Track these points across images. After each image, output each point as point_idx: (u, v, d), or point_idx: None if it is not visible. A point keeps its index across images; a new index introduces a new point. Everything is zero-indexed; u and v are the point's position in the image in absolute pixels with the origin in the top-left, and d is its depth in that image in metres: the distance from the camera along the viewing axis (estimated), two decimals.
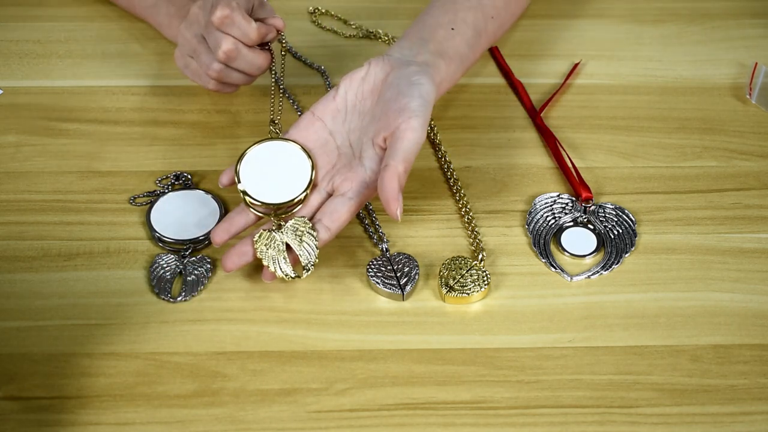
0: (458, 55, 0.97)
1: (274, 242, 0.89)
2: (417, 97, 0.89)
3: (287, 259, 0.88)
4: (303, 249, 0.88)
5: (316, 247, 0.88)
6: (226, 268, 0.89)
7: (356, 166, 0.91)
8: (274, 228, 0.89)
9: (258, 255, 0.88)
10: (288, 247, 0.89)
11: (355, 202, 0.90)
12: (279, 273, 0.88)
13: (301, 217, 0.90)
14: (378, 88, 0.92)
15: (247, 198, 0.90)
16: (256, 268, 0.92)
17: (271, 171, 0.91)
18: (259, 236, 0.89)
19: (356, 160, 0.91)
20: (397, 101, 0.89)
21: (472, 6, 1.00)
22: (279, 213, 0.90)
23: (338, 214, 0.89)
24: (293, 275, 0.88)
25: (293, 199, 0.90)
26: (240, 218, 0.91)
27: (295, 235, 0.89)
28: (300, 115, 0.97)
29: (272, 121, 0.94)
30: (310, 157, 0.91)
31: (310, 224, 0.89)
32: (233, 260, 0.89)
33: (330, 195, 0.91)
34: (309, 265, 0.89)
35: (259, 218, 0.91)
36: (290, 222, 0.89)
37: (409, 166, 0.87)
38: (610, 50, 1.14)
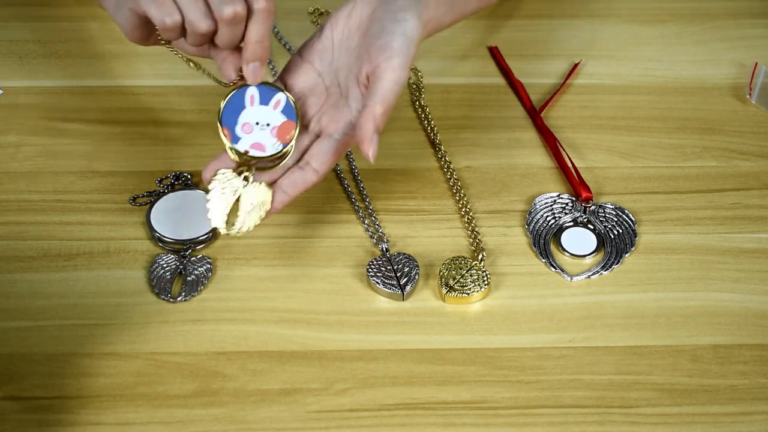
0: None
1: (230, 187, 0.88)
2: (400, 35, 0.87)
3: (227, 209, 0.88)
4: (245, 214, 0.88)
5: (258, 221, 0.87)
6: (206, 178, 0.88)
7: (342, 107, 0.90)
8: (240, 176, 0.89)
9: (209, 187, 0.88)
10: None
11: (341, 143, 0.89)
12: (209, 215, 0.87)
13: (266, 187, 0.88)
14: (364, 24, 0.90)
15: (227, 144, 0.89)
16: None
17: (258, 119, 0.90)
18: (223, 174, 0.88)
19: (342, 100, 0.91)
20: (379, 38, 0.88)
21: None
22: (258, 166, 0.89)
23: (326, 157, 0.89)
24: (220, 227, 0.88)
25: (270, 155, 0.89)
26: (226, 161, 0.90)
27: (252, 197, 0.88)
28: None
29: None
30: (296, 110, 0.90)
31: (270, 198, 0.88)
32: (212, 168, 0.88)
33: (318, 136, 0.91)
34: (236, 230, 0.87)
35: (238, 166, 0.90)
36: (255, 183, 0.88)
37: (389, 107, 0.86)
38: (610, 50, 1.14)
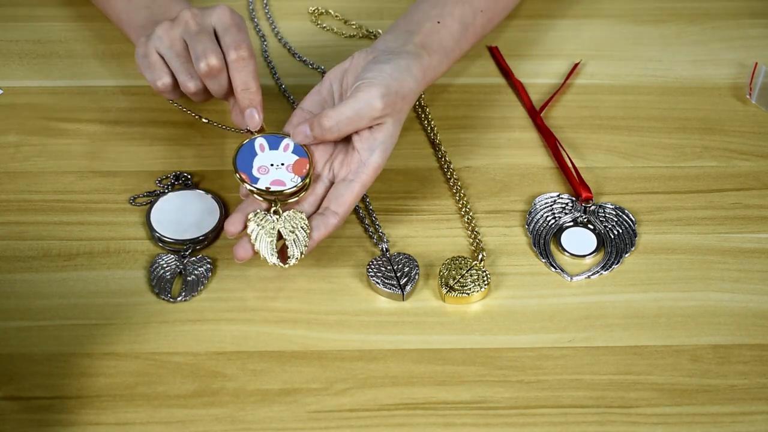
0: (442, 49, 0.97)
1: (268, 225, 0.89)
2: (386, 72, 0.91)
3: (274, 245, 0.88)
4: (292, 241, 0.89)
5: (305, 244, 0.89)
6: (239, 256, 0.88)
7: (351, 151, 0.92)
8: (271, 213, 0.90)
9: (248, 231, 0.89)
10: (279, 236, 0.89)
11: (357, 184, 0.90)
12: (263, 254, 0.88)
13: (300, 211, 0.90)
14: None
15: (246, 185, 0.90)
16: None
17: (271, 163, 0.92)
18: (255, 214, 0.89)
19: (350, 146, 0.92)
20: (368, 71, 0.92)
21: (459, 0, 1.00)
22: (281, 200, 0.90)
23: (343, 198, 0.90)
24: (276, 262, 0.88)
25: (292, 188, 0.90)
26: (251, 208, 0.91)
27: (290, 225, 0.89)
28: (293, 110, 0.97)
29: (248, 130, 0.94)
30: (306, 149, 0.92)
31: (306, 220, 0.89)
32: (246, 248, 0.88)
33: (332, 183, 0.92)
34: (293, 259, 0.88)
35: (269, 207, 0.91)
36: (288, 212, 0.90)
37: (341, 122, 0.89)
38: (610, 50, 1.14)
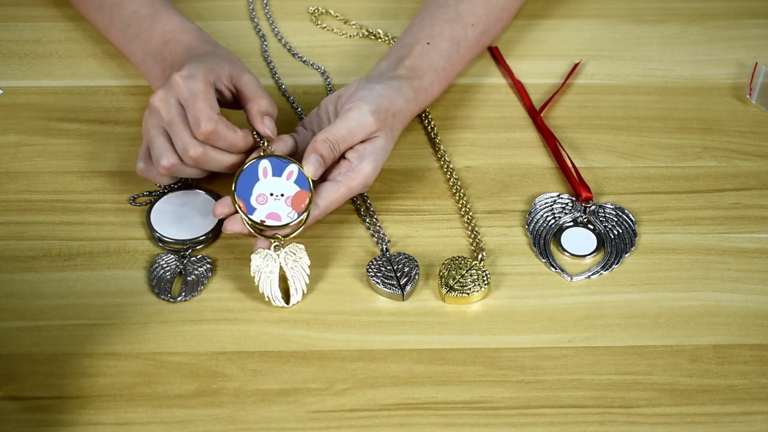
0: (434, 68, 1.00)
1: (270, 263, 0.89)
2: (377, 92, 0.94)
3: (277, 286, 0.89)
4: (295, 277, 0.90)
5: (308, 276, 0.90)
6: (227, 228, 0.90)
7: (343, 159, 0.94)
8: (272, 250, 0.90)
9: (252, 272, 0.89)
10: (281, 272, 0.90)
11: (343, 186, 0.92)
12: (267, 294, 0.89)
13: (299, 244, 0.90)
14: None
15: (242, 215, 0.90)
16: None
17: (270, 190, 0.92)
18: (257, 253, 0.90)
19: (343, 159, 0.94)
20: (355, 94, 0.94)
21: (449, 18, 1.03)
22: (272, 237, 0.91)
23: (327, 193, 0.92)
24: (280, 303, 0.89)
25: (287, 224, 0.90)
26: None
27: (292, 261, 0.90)
28: (296, 127, 0.98)
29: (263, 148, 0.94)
30: (309, 180, 0.91)
31: (305, 256, 0.90)
32: (233, 225, 0.90)
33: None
34: (296, 295, 0.90)
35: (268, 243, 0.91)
36: (288, 247, 0.90)
37: (336, 140, 0.91)
38: (610, 50, 1.14)
